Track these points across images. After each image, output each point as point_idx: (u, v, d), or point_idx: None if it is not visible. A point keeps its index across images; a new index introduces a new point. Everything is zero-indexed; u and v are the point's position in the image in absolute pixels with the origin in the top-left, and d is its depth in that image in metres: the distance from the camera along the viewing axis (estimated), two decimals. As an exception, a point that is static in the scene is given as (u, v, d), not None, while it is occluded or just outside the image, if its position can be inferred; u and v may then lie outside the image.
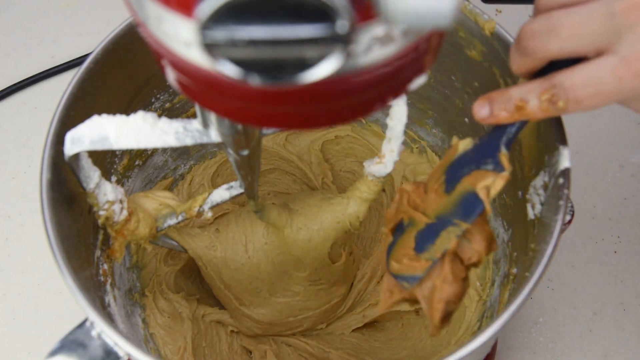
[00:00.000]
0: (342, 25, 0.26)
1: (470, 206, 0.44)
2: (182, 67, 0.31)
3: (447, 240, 0.44)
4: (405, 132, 0.57)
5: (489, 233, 0.45)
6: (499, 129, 0.45)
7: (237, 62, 0.27)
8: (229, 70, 0.27)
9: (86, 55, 0.57)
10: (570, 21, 0.40)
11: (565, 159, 0.51)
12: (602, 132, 0.91)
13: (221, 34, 0.26)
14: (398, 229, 0.49)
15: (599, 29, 0.39)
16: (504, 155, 0.43)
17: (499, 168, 0.43)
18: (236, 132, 0.43)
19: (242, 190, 0.60)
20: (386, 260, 0.49)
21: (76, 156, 0.48)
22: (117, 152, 0.64)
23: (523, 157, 0.58)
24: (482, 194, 0.43)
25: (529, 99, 0.43)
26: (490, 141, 0.45)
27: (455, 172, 0.46)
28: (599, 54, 0.40)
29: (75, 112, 0.55)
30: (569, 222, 0.58)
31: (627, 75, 0.39)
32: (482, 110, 0.45)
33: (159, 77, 0.62)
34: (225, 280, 0.68)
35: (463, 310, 0.68)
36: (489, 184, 0.43)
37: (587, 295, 0.80)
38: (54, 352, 0.46)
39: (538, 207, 0.54)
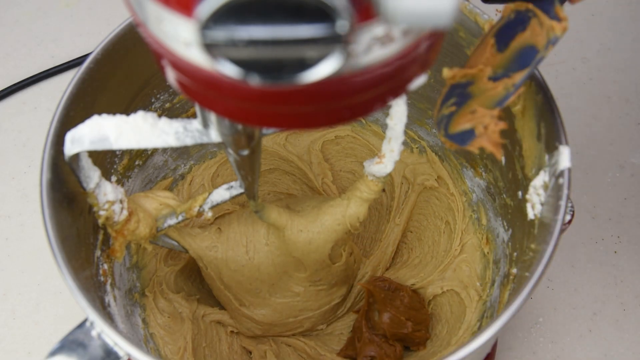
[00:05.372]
0: (342, 25, 0.26)
1: (527, 56, 0.45)
2: (182, 67, 0.31)
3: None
4: (405, 132, 0.57)
5: None
6: None
7: (237, 62, 0.27)
8: (229, 70, 0.27)
9: (86, 55, 0.57)
10: None
11: (565, 159, 0.51)
12: (602, 132, 0.91)
13: (221, 34, 0.26)
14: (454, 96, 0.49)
15: None
16: (559, 8, 0.45)
17: (556, 19, 0.45)
18: (236, 132, 0.43)
19: (242, 190, 0.60)
20: (444, 125, 0.49)
21: (76, 156, 0.48)
22: (117, 152, 0.64)
23: (523, 157, 0.58)
24: (540, 39, 0.44)
25: None
26: (542, 3, 0.46)
27: (505, 33, 0.48)
28: None
29: (75, 112, 0.55)
30: (569, 222, 0.58)
31: None
32: None
33: (159, 77, 0.62)
34: (226, 281, 0.68)
35: (463, 310, 0.68)
36: (549, 26, 0.44)
37: (587, 295, 0.80)
38: (54, 352, 0.46)
39: (538, 207, 0.54)
